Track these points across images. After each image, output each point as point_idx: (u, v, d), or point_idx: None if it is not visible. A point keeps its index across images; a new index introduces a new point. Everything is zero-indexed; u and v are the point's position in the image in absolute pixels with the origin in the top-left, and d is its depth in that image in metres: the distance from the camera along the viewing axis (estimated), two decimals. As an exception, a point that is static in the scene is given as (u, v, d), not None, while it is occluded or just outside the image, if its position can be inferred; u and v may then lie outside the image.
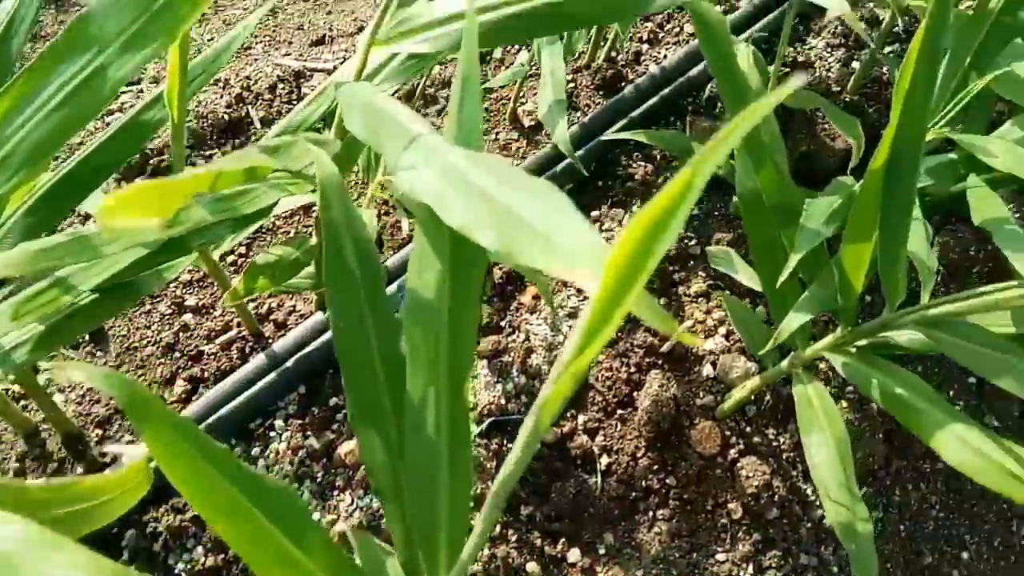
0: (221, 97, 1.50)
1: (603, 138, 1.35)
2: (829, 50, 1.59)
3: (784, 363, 1.00)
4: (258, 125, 1.45)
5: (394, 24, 0.74)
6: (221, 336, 1.22)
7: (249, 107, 1.48)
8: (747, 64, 0.96)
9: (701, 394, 1.21)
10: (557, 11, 0.73)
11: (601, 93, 1.56)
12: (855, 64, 1.55)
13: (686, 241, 1.36)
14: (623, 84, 1.55)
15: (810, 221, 0.84)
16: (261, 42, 1.76)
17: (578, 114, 1.52)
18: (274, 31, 1.80)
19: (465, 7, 0.67)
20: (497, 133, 1.51)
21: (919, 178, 1.06)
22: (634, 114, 1.47)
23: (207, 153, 1.43)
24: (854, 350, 0.91)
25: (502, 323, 1.25)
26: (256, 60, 1.67)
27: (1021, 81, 1.03)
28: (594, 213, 1.39)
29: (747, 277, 1.09)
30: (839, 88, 1.50)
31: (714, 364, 1.24)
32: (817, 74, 1.54)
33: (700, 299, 1.30)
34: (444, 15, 0.73)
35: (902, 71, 0.69)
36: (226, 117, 1.45)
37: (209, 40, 1.76)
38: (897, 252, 0.78)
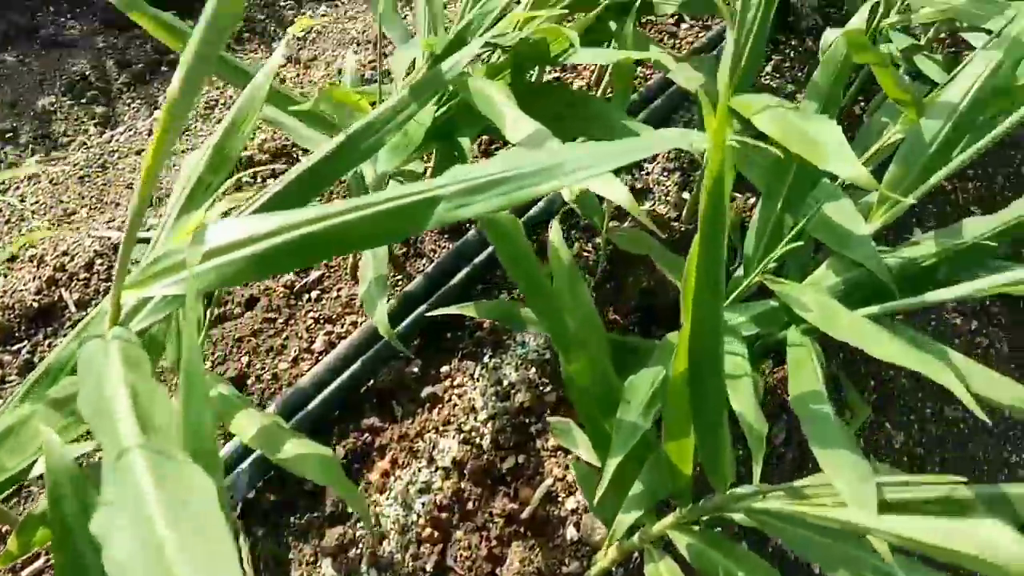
0: (32, 280, 1.38)
1: (429, 315, 1.32)
2: (665, 174, 1.62)
3: (635, 538, 0.96)
4: (73, 309, 1.34)
5: (148, 264, 0.68)
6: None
7: (63, 290, 1.36)
8: (557, 240, 0.94)
9: (567, 561, 1.15)
10: (334, 237, 0.68)
11: (447, 236, 1.53)
12: (686, 194, 1.58)
13: (542, 388, 1.32)
14: (468, 225, 1.53)
15: (628, 414, 0.81)
16: (86, 205, 1.65)
17: (423, 261, 1.49)
18: (102, 190, 1.70)
19: (187, 287, 0.60)
20: (339, 290, 1.44)
21: (746, 325, 1.06)
22: (478, 259, 1.44)
23: (15, 347, 1.30)
24: (697, 528, 0.88)
25: (347, 510, 1.16)
26: (78, 228, 1.56)
27: (832, 223, 1.05)
28: (444, 368, 1.34)
29: (586, 452, 1.05)
30: (676, 214, 1.52)
31: (577, 525, 1.18)
32: (655, 200, 1.57)
33: (560, 453, 1.26)
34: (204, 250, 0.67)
35: (686, 277, 0.67)
36: (35, 304, 1.33)
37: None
38: (716, 444, 0.75)
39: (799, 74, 1.90)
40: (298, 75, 1.93)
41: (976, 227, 0.98)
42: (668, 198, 1.57)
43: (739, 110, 1.07)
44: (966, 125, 0.99)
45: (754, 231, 1.12)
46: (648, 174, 1.64)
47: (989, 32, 1.10)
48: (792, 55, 1.95)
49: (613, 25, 1.36)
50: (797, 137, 0.89)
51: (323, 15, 2.26)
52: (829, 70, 1.10)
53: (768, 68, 1.90)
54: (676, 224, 1.51)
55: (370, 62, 1.96)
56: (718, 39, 1.88)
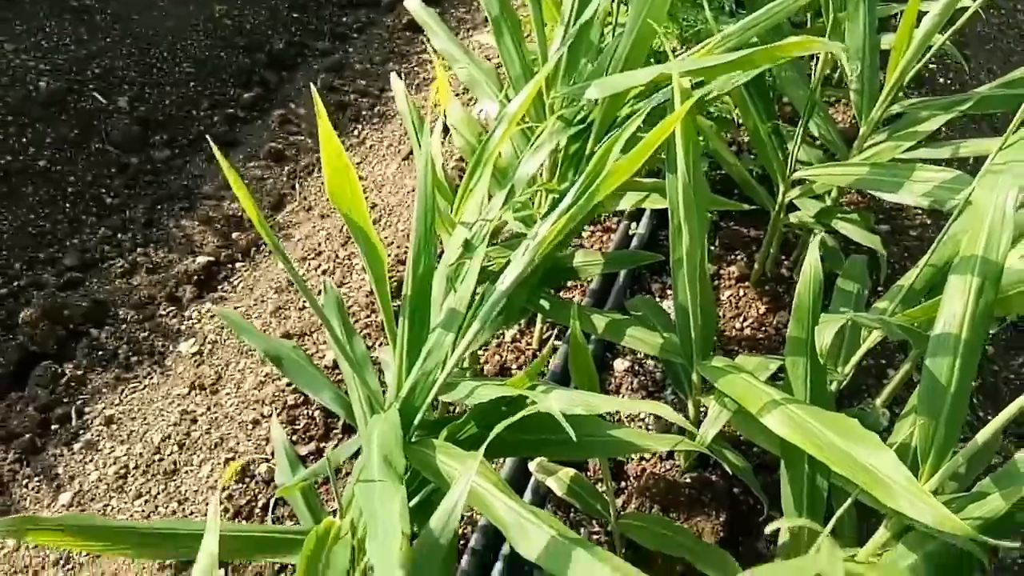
0: None
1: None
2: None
3: None
4: None
5: None
6: None
7: None
8: None
9: None
10: None
11: None
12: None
13: None
14: None
15: None
16: None
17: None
18: None
19: None
20: None
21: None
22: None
23: None
24: None
25: None
26: None
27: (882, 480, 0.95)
28: None
29: None
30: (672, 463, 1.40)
31: None
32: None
33: None
34: None
35: None
36: None
37: None
38: None
39: (713, 248, 1.87)
40: (208, 410, 1.72)
41: (1030, 458, 0.89)
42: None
43: (729, 395, 0.97)
44: (971, 353, 0.91)
45: (791, 505, 1.00)
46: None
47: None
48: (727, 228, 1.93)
49: (544, 303, 1.26)
50: (839, 457, 0.78)
51: (211, 317, 2.09)
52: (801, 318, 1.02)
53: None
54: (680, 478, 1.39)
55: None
56: (625, 239, 1.84)
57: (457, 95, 2.69)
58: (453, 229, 1.16)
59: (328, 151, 0.84)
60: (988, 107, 1.45)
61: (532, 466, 1.27)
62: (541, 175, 1.38)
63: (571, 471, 1.24)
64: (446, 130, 1.55)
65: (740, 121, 1.50)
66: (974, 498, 0.89)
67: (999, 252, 0.92)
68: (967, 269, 0.93)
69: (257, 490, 1.51)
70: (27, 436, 1.81)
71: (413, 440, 0.98)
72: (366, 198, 2.39)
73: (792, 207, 1.63)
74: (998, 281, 0.92)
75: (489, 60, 1.58)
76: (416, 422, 0.98)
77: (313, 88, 1.03)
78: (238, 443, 1.54)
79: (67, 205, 2.44)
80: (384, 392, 1.12)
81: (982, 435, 0.85)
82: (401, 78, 3.13)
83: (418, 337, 1.00)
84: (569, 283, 1.79)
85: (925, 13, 1.37)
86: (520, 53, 1.36)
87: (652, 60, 1.58)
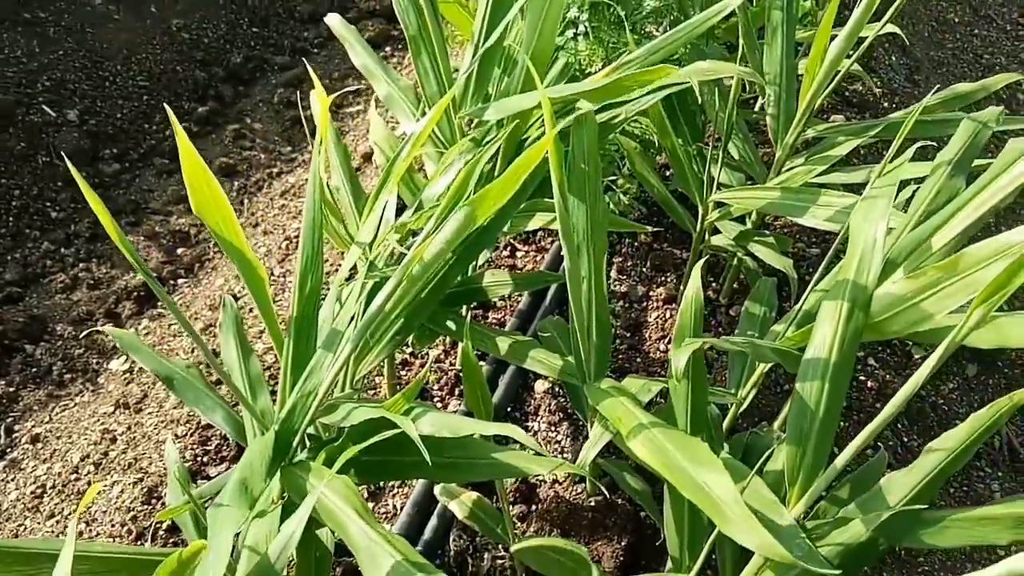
0: None
1: None
2: (553, 428, 1.51)
3: None
4: None
5: None
6: None
7: None
8: None
9: None
10: None
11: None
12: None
13: None
14: None
15: None
16: None
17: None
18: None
19: None
20: None
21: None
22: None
23: None
24: None
25: None
26: None
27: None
28: None
29: None
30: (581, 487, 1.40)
31: None
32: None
33: None
34: None
35: None
36: None
37: None
38: None
39: (643, 270, 1.87)
40: (128, 429, 1.69)
41: (896, 487, 0.90)
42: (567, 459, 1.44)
43: (608, 418, 0.97)
44: (839, 377, 0.92)
45: (672, 529, 1.00)
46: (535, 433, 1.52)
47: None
48: (629, 251, 1.93)
49: (451, 324, 1.26)
50: (686, 481, 0.78)
51: (146, 334, 2.07)
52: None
53: (612, 273, 1.86)
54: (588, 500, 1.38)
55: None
56: (557, 258, 1.85)
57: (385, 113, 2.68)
58: (350, 244, 1.16)
59: (188, 164, 0.84)
60: (896, 132, 1.47)
61: (436, 489, 1.26)
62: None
63: (474, 495, 1.24)
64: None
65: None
66: (838, 523, 0.89)
67: (868, 277, 0.93)
68: (838, 294, 0.94)
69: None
70: (-48, 454, 1.78)
71: (293, 462, 0.98)
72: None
73: (717, 230, 1.64)
74: (867, 306, 0.93)
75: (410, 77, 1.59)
76: (295, 443, 0.97)
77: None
78: (150, 463, 1.52)
79: (10, 219, 2.42)
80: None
81: (841, 458, 0.85)
82: (360, 95, 3.15)
83: (303, 357, 1.00)
84: (498, 304, 1.79)
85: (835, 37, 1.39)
86: (436, 71, 1.37)
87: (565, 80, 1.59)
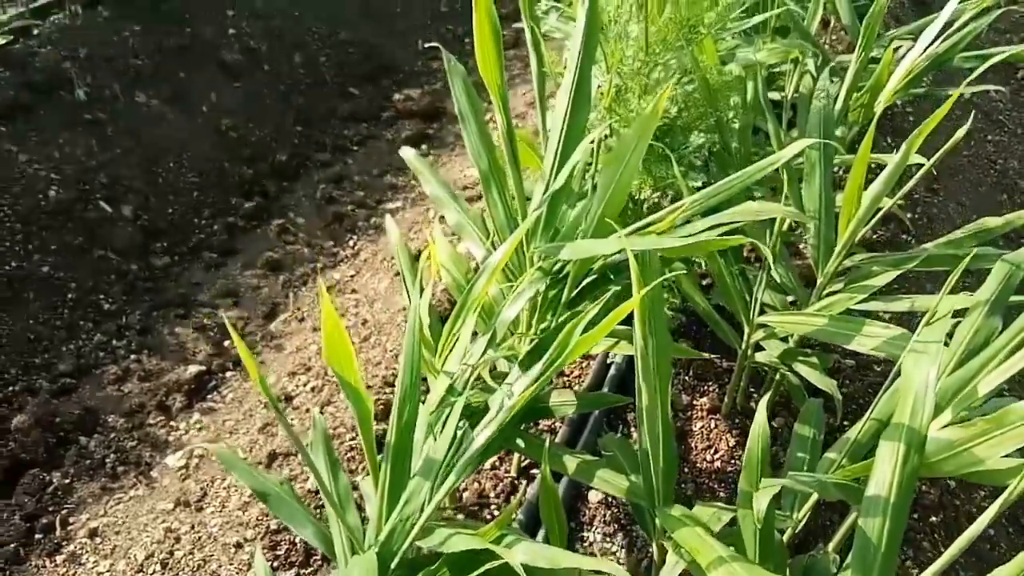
0: None
1: None
2: (608, 539, 1.57)
3: None
4: None
5: None
6: None
7: None
8: None
9: None
10: None
11: None
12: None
13: None
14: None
15: None
16: None
17: None
18: None
19: None
20: None
21: None
22: None
23: None
24: None
25: None
26: None
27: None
28: None
29: None
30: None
31: None
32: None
33: None
34: None
35: None
36: None
37: None
38: None
39: (686, 378, 1.96)
40: (192, 528, 1.75)
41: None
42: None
43: (684, 547, 1.04)
44: (899, 514, 0.99)
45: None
46: (590, 543, 1.58)
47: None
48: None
49: (520, 442, 1.34)
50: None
51: (199, 428, 2.15)
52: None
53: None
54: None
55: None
56: (603, 367, 1.93)
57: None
58: (438, 373, 1.25)
59: (328, 323, 0.94)
60: (933, 264, 1.58)
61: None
62: (522, 317, 1.49)
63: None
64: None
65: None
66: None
67: (922, 422, 1.02)
68: (895, 436, 1.03)
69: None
70: (11, 546, 1.83)
71: (391, 583, 1.04)
72: (357, 313, 2.50)
73: (760, 346, 1.73)
74: (922, 448, 1.01)
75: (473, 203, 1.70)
76: (393, 565, 1.04)
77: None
78: (220, 567, 1.58)
79: (65, 311, 2.52)
80: (365, 527, 1.18)
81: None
82: (398, 191, 3.29)
83: (399, 482, 1.08)
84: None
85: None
86: (505, 204, 1.49)
87: (628, 212, 1.71)
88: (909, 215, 2.72)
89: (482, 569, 0.91)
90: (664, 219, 1.36)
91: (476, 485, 1.68)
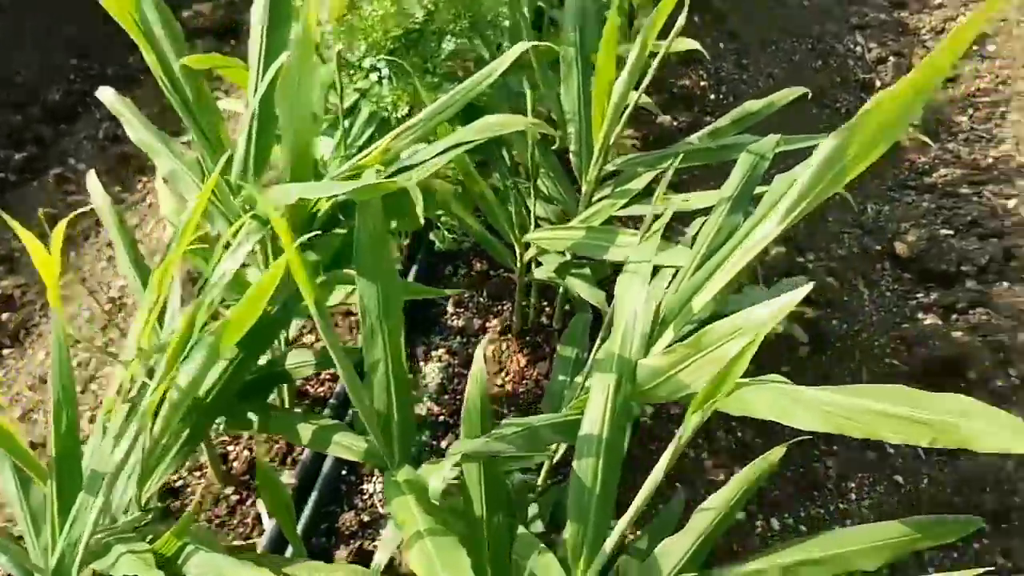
0: None
1: None
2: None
3: None
4: None
5: None
6: None
7: None
8: None
9: None
10: None
11: None
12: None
13: None
14: None
15: None
16: None
17: None
18: None
19: None
20: None
21: None
22: None
23: None
24: None
25: None
26: None
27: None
28: None
29: None
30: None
31: None
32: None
33: None
34: None
35: None
36: None
37: None
38: None
39: (480, 300, 1.87)
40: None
41: (671, 551, 0.93)
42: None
43: (397, 521, 0.96)
44: (613, 450, 0.94)
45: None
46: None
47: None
48: (465, 282, 1.93)
49: (252, 416, 1.22)
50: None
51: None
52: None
53: (449, 307, 1.86)
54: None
55: None
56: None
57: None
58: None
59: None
60: (694, 159, 1.51)
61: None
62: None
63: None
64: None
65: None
66: (619, 601, 0.92)
67: (632, 350, 0.95)
68: (607, 367, 0.96)
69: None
70: None
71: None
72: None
73: (539, 262, 1.65)
74: (633, 377, 0.95)
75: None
76: (70, 591, 0.92)
77: None
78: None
79: None
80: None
81: (612, 538, 0.88)
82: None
83: (69, 499, 0.94)
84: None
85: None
86: (211, 147, 1.31)
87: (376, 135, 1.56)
88: (713, 96, 2.67)
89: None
90: (381, 147, 1.22)
91: (247, 453, 1.56)
